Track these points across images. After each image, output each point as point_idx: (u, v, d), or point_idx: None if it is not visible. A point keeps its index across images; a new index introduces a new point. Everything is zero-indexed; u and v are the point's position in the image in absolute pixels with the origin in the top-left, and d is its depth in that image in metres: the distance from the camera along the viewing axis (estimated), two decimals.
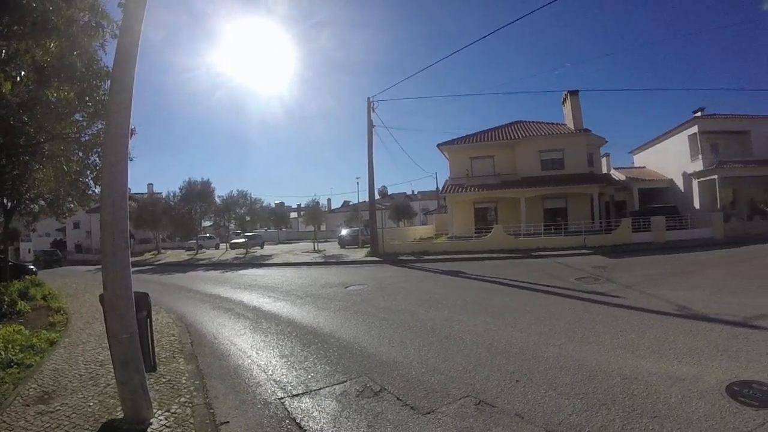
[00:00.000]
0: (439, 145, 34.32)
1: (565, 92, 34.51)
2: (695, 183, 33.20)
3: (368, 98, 27.29)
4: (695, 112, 35.64)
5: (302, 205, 60.16)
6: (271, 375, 6.03)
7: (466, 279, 15.30)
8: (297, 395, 5.24)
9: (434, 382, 5.42)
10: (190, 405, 5.00)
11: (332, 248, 36.80)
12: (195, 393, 5.37)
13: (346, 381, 5.61)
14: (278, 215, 46.43)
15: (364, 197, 39.38)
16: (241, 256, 32.84)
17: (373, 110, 27.19)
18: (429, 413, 4.54)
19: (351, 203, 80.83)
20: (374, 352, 6.80)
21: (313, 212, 41.66)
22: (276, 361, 6.67)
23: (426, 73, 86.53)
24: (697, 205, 32.59)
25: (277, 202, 73.67)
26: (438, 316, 9.21)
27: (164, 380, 5.81)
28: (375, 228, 26.95)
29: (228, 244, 44.74)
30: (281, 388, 5.49)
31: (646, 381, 5.15)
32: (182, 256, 36.98)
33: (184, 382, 5.78)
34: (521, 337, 7.32)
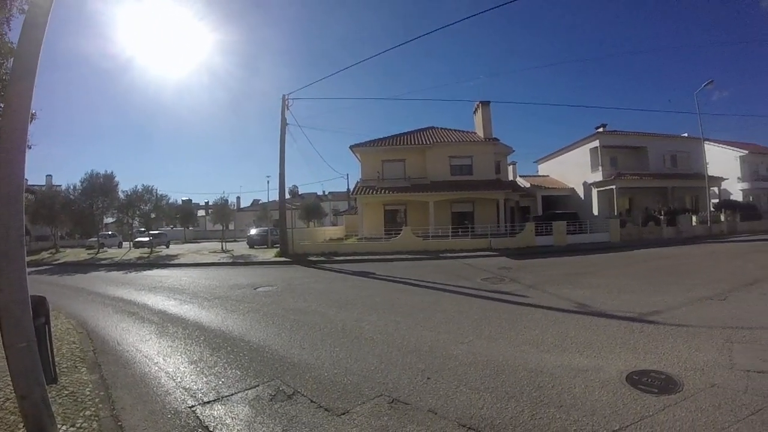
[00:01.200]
0: (351, 147, 34.29)
1: (477, 102, 35.94)
2: (595, 192, 36.95)
3: (283, 95, 26.63)
4: (597, 127, 39.65)
5: (210, 203, 57.75)
6: (180, 382, 5.65)
7: (376, 280, 15.33)
8: (208, 402, 4.95)
9: (347, 382, 5.37)
10: (96, 418, 4.59)
11: (241, 248, 35.69)
12: (101, 405, 4.94)
13: (258, 385, 5.39)
14: (185, 213, 43.96)
15: (275, 196, 38.65)
16: (146, 255, 30.83)
17: (288, 108, 26.64)
18: (344, 414, 4.50)
19: (261, 202, 78.33)
20: (286, 355, 6.61)
21: (222, 210, 39.98)
22: (185, 367, 6.27)
23: (344, 74, 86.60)
24: (596, 211, 36.13)
25: (184, 199, 70.02)
26: (349, 317, 9.15)
27: (67, 392, 5.27)
28: (285, 228, 26.36)
29: (132, 243, 41.97)
30: (191, 396, 5.16)
31: (551, 373, 5.43)
32: (82, 255, 33.93)
33: (88, 393, 5.28)
34: (431, 336, 7.43)
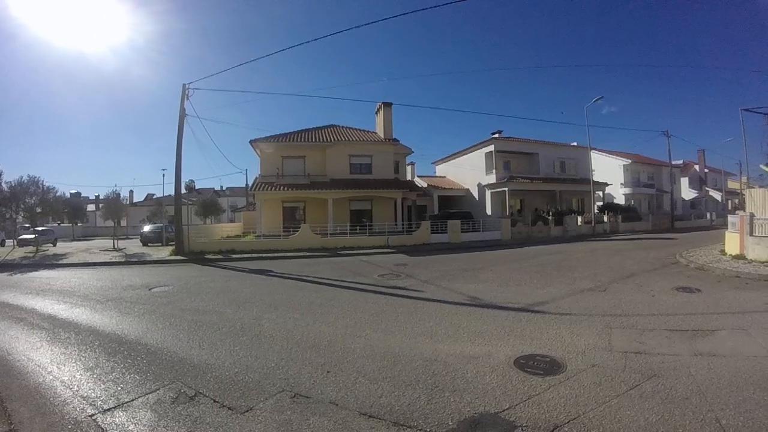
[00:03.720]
0: (251, 142, 33.33)
1: (380, 103, 36.56)
2: (488, 193, 39.30)
3: (184, 84, 25.09)
4: (494, 133, 42.33)
5: (101, 197, 53.31)
6: (77, 391, 5.19)
7: (275, 277, 15.06)
8: (109, 410, 4.63)
9: (249, 380, 5.31)
10: None
11: (134, 246, 33.35)
12: None
13: (159, 389, 5.14)
14: (74, 207, 39.92)
15: (170, 190, 36.24)
16: (31, 254, 27.70)
17: (188, 98, 25.27)
18: (247, 411, 4.47)
19: (155, 197, 73.42)
20: (185, 356, 6.33)
21: (113, 205, 36.95)
22: (81, 375, 5.77)
23: (250, 69, 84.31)
24: (489, 211, 38.38)
25: (72, 192, 64.49)
26: (247, 315, 8.98)
27: None
28: (181, 224, 25.00)
29: (15, 241, 37.64)
30: (91, 404, 4.77)
31: (444, 362, 5.73)
32: None
33: None
34: (329, 331, 7.52)
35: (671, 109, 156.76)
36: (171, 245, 27.99)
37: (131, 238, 46.68)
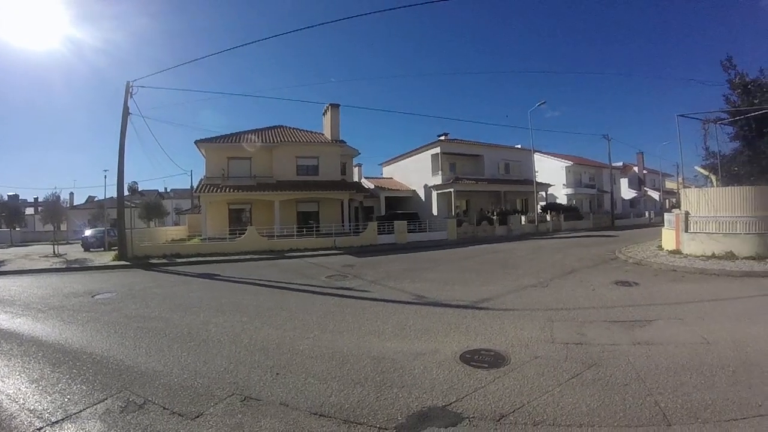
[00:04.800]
0: (197, 142, 32.43)
1: (327, 104, 36.31)
2: (435, 194, 40.08)
3: (128, 82, 24.01)
4: (440, 136, 43.19)
5: (40, 200, 50.44)
6: (23, 404, 4.92)
7: (221, 281, 14.77)
8: (57, 422, 4.43)
9: (198, 385, 5.22)
10: None
11: (75, 251, 31.66)
12: None
13: (107, 398, 4.96)
14: (11, 211, 37.59)
15: (113, 192, 34.40)
16: None
17: (131, 96, 24.30)
18: (198, 417, 4.41)
19: (97, 199, 70.02)
20: (132, 364, 6.13)
21: (53, 208, 35.14)
22: (26, 387, 5.46)
23: (199, 68, 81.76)
24: (435, 212, 39.09)
25: (10, 194, 60.92)
26: (194, 321, 8.80)
27: None
28: (124, 228, 24.03)
29: None
30: (38, 417, 4.54)
31: (392, 359, 5.81)
32: None
33: None
34: (278, 334, 7.48)
35: (612, 114, 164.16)
36: (114, 250, 26.83)
37: (72, 243, 44.21)
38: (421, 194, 42.15)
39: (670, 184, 68.58)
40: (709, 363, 5.27)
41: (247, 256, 22.20)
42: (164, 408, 4.66)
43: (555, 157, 55.11)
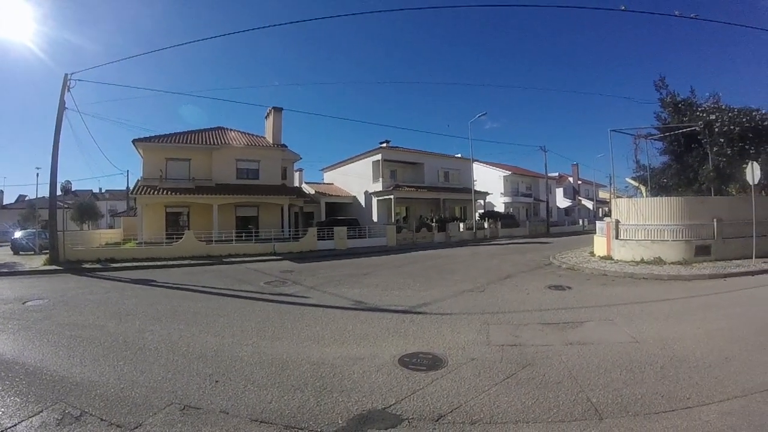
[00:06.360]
0: (134, 141, 31.11)
1: (270, 108, 35.88)
2: (375, 200, 40.37)
3: (66, 74, 22.73)
4: (381, 143, 43.72)
5: None
6: None
7: (158, 287, 14.28)
8: None
9: (135, 395, 5.06)
10: None
11: (4, 254, 29.61)
12: None
13: (42, 411, 4.70)
14: None
15: (45, 191, 32.15)
16: None
17: (69, 90, 23.06)
18: (136, 428, 4.27)
19: (27, 198, 65.72)
20: (66, 375, 5.83)
21: None
22: None
23: (141, 65, 78.56)
24: (375, 218, 39.42)
25: None
26: (130, 329, 8.48)
27: None
28: (56, 230, 22.75)
29: None
30: None
31: (331, 364, 5.84)
32: None
33: None
34: (216, 341, 7.34)
35: (550, 126, 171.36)
36: (45, 253, 25.38)
37: (1, 246, 41.82)
38: (362, 200, 42.30)
39: (603, 194, 72.19)
40: (639, 360, 5.61)
41: (185, 261, 21.57)
42: (102, 419, 4.49)
43: (494, 166, 57.33)
